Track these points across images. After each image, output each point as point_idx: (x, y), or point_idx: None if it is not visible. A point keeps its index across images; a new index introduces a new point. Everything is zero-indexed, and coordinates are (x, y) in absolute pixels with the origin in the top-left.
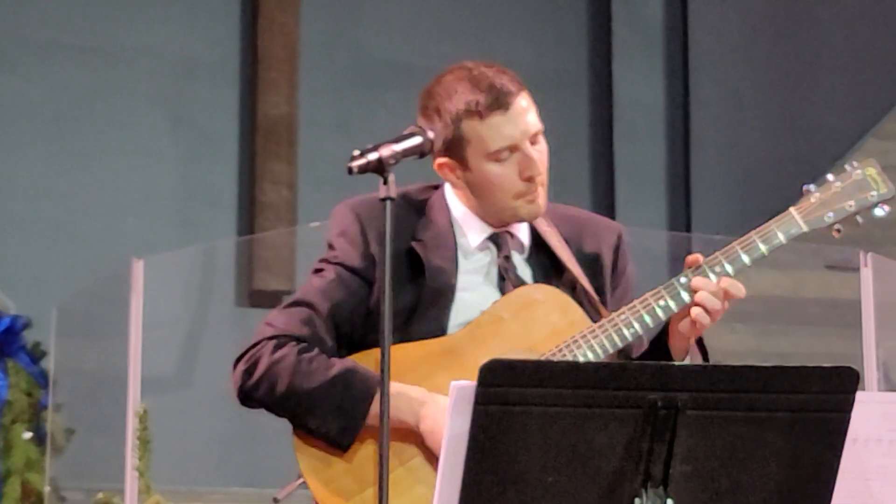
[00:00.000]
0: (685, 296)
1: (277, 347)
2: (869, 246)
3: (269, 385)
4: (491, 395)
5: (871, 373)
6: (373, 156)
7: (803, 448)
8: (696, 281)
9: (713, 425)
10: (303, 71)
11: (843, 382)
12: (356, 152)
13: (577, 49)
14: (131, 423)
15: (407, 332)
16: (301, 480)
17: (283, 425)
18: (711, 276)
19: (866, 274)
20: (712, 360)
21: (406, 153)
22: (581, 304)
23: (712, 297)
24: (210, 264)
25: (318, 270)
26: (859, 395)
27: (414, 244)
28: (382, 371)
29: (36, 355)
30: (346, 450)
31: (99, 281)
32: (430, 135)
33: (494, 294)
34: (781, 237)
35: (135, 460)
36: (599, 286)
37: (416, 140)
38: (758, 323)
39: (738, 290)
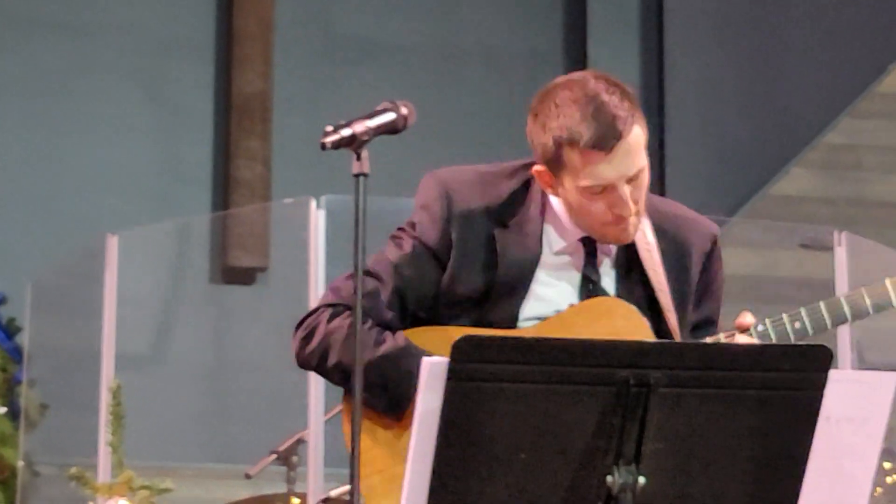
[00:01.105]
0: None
1: (333, 317)
2: (843, 225)
3: (321, 355)
4: (463, 372)
5: (844, 352)
6: (346, 132)
7: (776, 426)
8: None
9: (686, 403)
10: (277, 48)
11: (817, 361)
12: (329, 128)
13: (552, 28)
14: (105, 399)
15: (479, 317)
16: (274, 457)
17: (256, 402)
18: (789, 329)
19: (840, 253)
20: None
21: (379, 129)
22: (658, 321)
23: None
24: (184, 240)
25: (396, 238)
26: (833, 373)
27: (497, 231)
28: (356, 352)
29: (10, 331)
30: (400, 421)
31: (73, 257)
32: (404, 111)
33: (573, 296)
34: (869, 308)
35: (108, 436)
36: (682, 290)
37: (390, 116)
38: (731, 302)
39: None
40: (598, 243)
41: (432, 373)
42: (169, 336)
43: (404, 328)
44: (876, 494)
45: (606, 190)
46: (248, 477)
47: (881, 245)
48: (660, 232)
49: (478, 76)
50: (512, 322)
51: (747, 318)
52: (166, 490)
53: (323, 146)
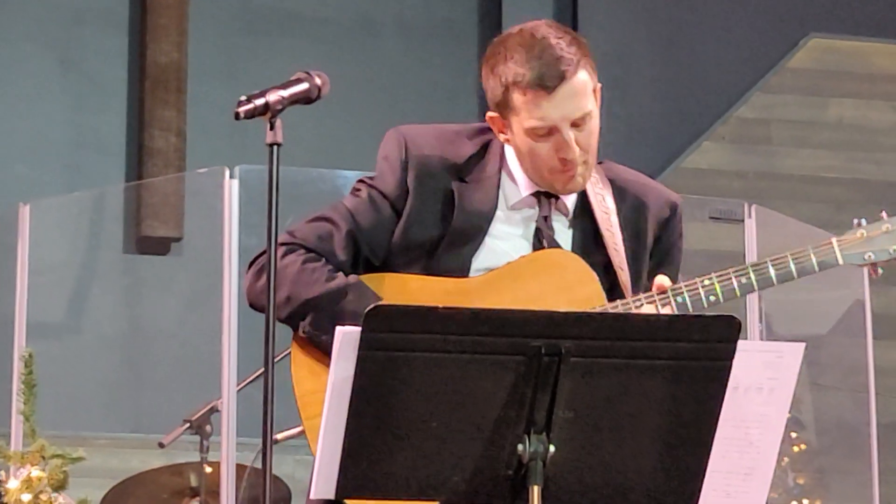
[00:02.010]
0: (703, 296)
1: (286, 254)
2: (753, 198)
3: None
4: (375, 341)
5: (753, 323)
6: (260, 101)
7: (685, 395)
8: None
9: (596, 372)
10: (192, 18)
11: (725, 331)
12: (243, 98)
13: None
14: (17, 368)
15: (430, 265)
16: (187, 426)
17: (169, 371)
18: (736, 286)
19: (750, 225)
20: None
21: (293, 99)
22: (612, 279)
23: None
24: (98, 210)
25: (355, 189)
26: (741, 343)
27: (455, 184)
28: (268, 322)
29: None
30: None
31: None
32: (318, 80)
33: (526, 249)
34: (815, 265)
35: (20, 404)
36: (637, 253)
37: (304, 86)
38: None
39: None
40: (554, 201)
41: (345, 341)
42: (82, 305)
43: (356, 273)
44: (783, 463)
45: (551, 132)
46: (161, 446)
47: (790, 217)
48: (619, 196)
49: (393, 47)
50: (463, 272)
51: (665, 282)
52: (79, 459)
53: (237, 115)
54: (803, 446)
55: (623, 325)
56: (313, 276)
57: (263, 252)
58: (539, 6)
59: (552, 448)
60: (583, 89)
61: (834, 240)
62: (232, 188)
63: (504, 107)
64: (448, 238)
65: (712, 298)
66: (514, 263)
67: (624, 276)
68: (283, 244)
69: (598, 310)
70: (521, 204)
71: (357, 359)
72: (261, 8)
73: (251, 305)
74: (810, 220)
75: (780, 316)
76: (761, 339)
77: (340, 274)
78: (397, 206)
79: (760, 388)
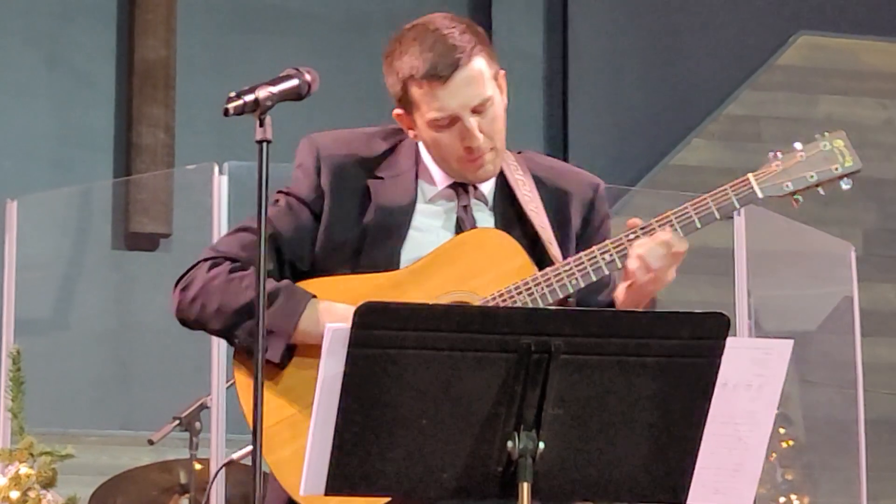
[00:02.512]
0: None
1: (212, 267)
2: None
3: (202, 304)
4: (365, 338)
5: (742, 320)
6: (249, 97)
7: (674, 392)
8: (637, 241)
9: (585, 370)
10: (180, 14)
11: (714, 329)
12: (232, 94)
13: None
14: (4, 365)
15: (356, 264)
16: (176, 423)
17: (158, 368)
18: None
19: (739, 223)
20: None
21: (283, 95)
22: (541, 255)
23: (649, 250)
24: (86, 206)
25: (274, 201)
26: (730, 341)
27: (370, 181)
28: (259, 310)
29: None
30: (283, 368)
31: None
32: (308, 77)
33: (450, 238)
34: (736, 202)
35: (8, 401)
36: (564, 237)
37: (293, 82)
38: None
39: (679, 243)
40: (472, 190)
41: (335, 338)
42: (71, 302)
43: (282, 276)
44: (771, 459)
45: (453, 121)
46: (150, 443)
47: (779, 214)
48: (540, 184)
49: (383, 43)
50: (393, 266)
51: (635, 220)
52: (68, 456)
53: (226, 112)
54: (791, 442)
55: (612, 322)
56: (241, 283)
57: (189, 269)
58: (528, 6)
59: (542, 445)
60: (479, 76)
61: (750, 175)
62: (221, 184)
63: (406, 102)
64: (371, 235)
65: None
66: (441, 248)
67: (554, 249)
68: (206, 259)
69: (527, 280)
70: (438, 197)
71: (347, 356)
72: (249, 4)
73: (182, 322)
74: (799, 216)
75: (768, 313)
76: (750, 336)
77: (270, 279)
78: (315, 210)
79: (749, 385)
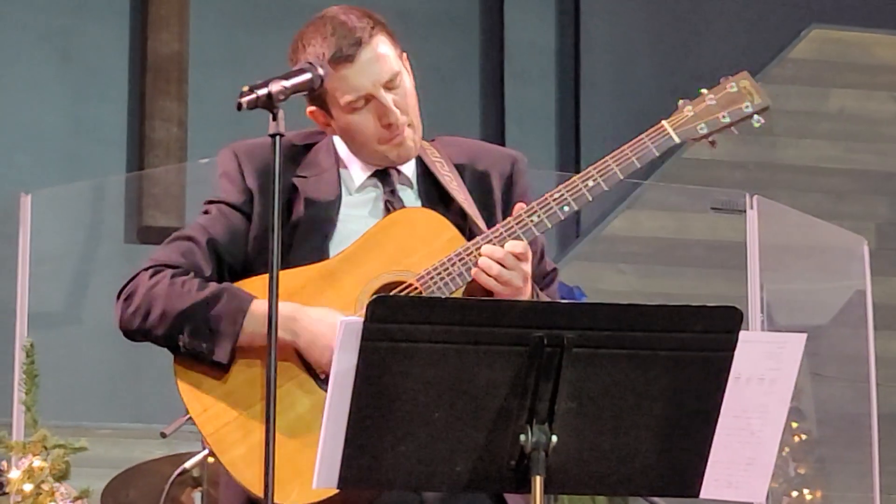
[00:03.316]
0: (547, 222)
1: (153, 275)
2: (754, 188)
3: (145, 311)
4: (378, 332)
5: (755, 314)
6: (262, 91)
7: (686, 386)
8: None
9: (598, 363)
10: (193, 8)
11: (727, 322)
12: (245, 88)
13: None
14: (18, 358)
15: (288, 260)
16: (188, 416)
17: (170, 362)
18: (585, 190)
19: (752, 216)
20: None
21: (296, 89)
22: (469, 231)
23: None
24: (99, 200)
25: (203, 211)
26: (743, 334)
27: (295, 179)
28: (270, 306)
29: None
30: (227, 370)
31: None
32: (320, 71)
33: None
34: (654, 150)
35: (21, 394)
36: (490, 214)
37: (306, 76)
38: (644, 264)
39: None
40: (396, 175)
41: (347, 332)
42: (84, 295)
43: (222, 280)
44: (784, 453)
45: (369, 101)
46: (163, 436)
47: (791, 208)
48: (459, 166)
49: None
50: (323, 259)
51: (522, 206)
52: (81, 449)
53: (239, 106)
54: (804, 436)
55: (625, 316)
56: (184, 288)
57: (129, 280)
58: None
59: (554, 438)
60: (385, 53)
61: (664, 121)
62: None
63: (318, 95)
64: (300, 231)
65: (566, 209)
66: (369, 232)
67: (481, 223)
68: (147, 269)
69: (459, 250)
70: (363, 186)
71: (359, 349)
72: None
73: (125, 333)
74: (811, 210)
75: (781, 307)
76: (763, 330)
77: (212, 283)
78: (246, 211)
79: (762, 379)
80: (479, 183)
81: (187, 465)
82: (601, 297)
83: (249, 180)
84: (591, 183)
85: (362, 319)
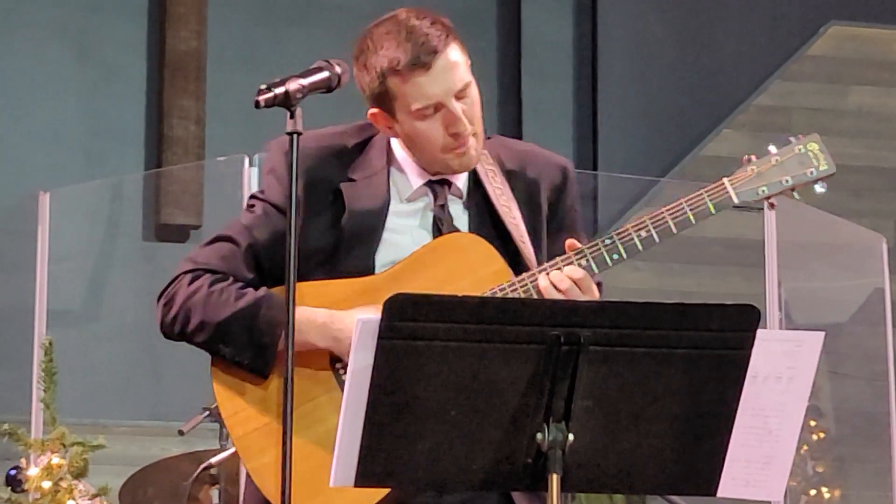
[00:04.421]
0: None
1: (193, 280)
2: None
3: (184, 318)
4: (395, 330)
5: (773, 312)
6: (279, 90)
7: (704, 384)
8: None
9: (615, 361)
10: (211, 6)
11: (745, 321)
12: (263, 86)
13: None
14: (37, 356)
15: (332, 269)
16: (206, 414)
17: (188, 359)
18: (637, 241)
19: (770, 214)
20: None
21: (313, 87)
22: (514, 253)
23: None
24: (117, 198)
25: (249, 206)
26: (760, 332)
27: (342, 185)
28: (289, 312)
29: None
30: (266, 378)
31: (5, 214)
32: (338, 69)
33: (427, 239)
34: (711, 208)
35: (40, 392)
36: (536, 224)
37: (324, 74)
38: (660, 262)
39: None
40: (447, 187)
41: (364, 331)
42: (102, 293)
43: (263, 285)
44: (802, 451)
45: (438, 109)
46: (180, 434)
47: (810, 206)
48: (509, 171)
49: None
50: (368, 271)
51: (575, 243)
52: (99, 446)
53: (256, 104)
54: (822, 434)
55: (642, 314)
56: (222, 297)
57: (170, 283)
58: None
59: (571, 436)
60: (456, 62)
61: (725, 180)
62: (251, 176)
63: (384, 98)
64: (345, 240)
65: (616, 257)
66: (417, 253)
67: (526, 248)
68: (186, 272)
69: (503, 285)
70: (414, 195)
71: (376, 348)
72: None
73: (166, 336)
74: (830, 208)
75: (799, 305)
76: (780, 328)
77: (250, 290)
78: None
79: (779, 377)
80: (528, 192)
81: (213, 460)
82: (618, 294)
83: (299, 182)
84: (643, 234)
85: (378, 317)
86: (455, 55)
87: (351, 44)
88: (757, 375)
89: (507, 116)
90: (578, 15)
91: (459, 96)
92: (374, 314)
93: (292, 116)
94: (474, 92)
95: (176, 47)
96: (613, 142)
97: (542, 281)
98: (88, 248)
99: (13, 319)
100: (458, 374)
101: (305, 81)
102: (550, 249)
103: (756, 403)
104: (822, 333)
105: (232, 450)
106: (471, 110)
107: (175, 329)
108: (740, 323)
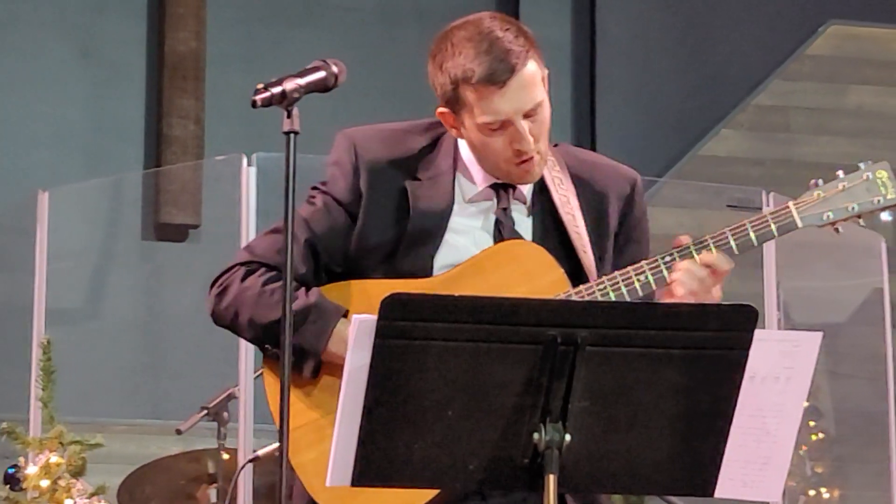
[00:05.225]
0: (666, 274)
1: (247, 275)
2: (771, 186)
3: (234, 312)
4: (392, 329)
5: (771, 312)
6: (277, 89)
7: (701, 384)
8: (680, 263)
9: (612, 361)
10: (210, 6)
11: (742, 321)
12: (260, 86)
13: None
14: (35, 354)
15: (391, 267)
16: (204, 413)
17: (187, 358)
18: (695, 255)
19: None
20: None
21: (310, 87)
22: (575, 262)
23: (690, 274)
24: (117, 197)
25: (309, 197)
26: (758, 333)
27: (408, 183)
28: (284, 312)
29: None
30: (314, 377)
31: (5, 212)
32: (335, 69)
33: (487, 242)
34: (775, 231)
35: (38, 391)
36: (601, 235)
37: (321, 74)
38: None
39: (722, 263)
40: (511, 191)
41: (361, 330)
42: (101, 292)
43: (318, 283)
44: (801, 452)
45: (504, 125)
46: (179, 433)
47: None
48: (577, 179)
49: (412, 36)
50: (426, 272)
51: (682, 239)
52: (97, 445)
53: (254, 104)
54: (821, 435)
55: (639, 314)
56: (272, 298)
57: (225, 272)
58: None
59: (568, 437)
60: (532, 80)
61: (791, 203)
62: (249, 176)
63: (455, 103)
64: (407, 239)
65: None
66: (476, 258)
67: (587, 259)
68: (242, 263)
69: (561, 296)
70: (478, 197)
71: (373, 347)
72: None
73: (215, 324)
74: None
75: (798, 304)
76: (779, 328)
77: (301, 292)
78: (352, 212)
79: (777, 378)
80: (595, 202)
81: (259, 452)
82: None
83: (363, 179)
84: (703, 251)
85: (375, 317)
86: (532, 73)
87: (363, 34)
88: (755, 376)
89: None
90: (577, 15)
91: (529, 115)
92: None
93: (289, 116)
94: (545, 111)
95: (175, 47)
96: (612, 142)
97: (682, 263)
98: (87, 246)
99: (12, 318)
100: (455, 374)
101: (302, 81)
102: (617, 261)
103: (754, 404)
104: (820, 333)
105: (275, 444)
106: (538, 129)
107: (225, 320)
108: (738, 323)
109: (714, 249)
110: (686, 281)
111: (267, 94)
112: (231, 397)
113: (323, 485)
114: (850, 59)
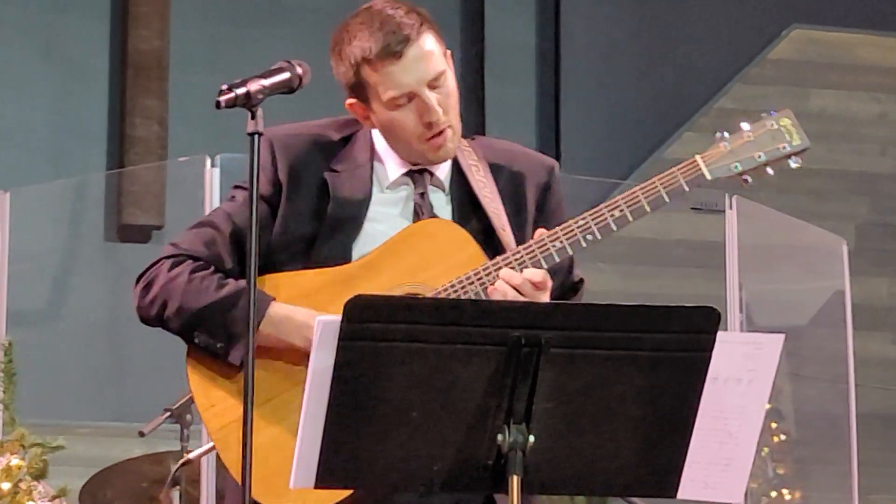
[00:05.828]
0: (583, 242)
1: (174, 266)
2: (734, 189)
3: (162, 303)
4: (356, 331)
5: (734, 314)
6: (241, 90)
7: (664, 386)
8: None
9: (576, 363)
10: (174, 6)
11: (705, 322)
12: (224, 87)
13: None
14: None
15: (310, 258)
16: (168, 415)
17: (151, 360)
18: (610, 221)
19: (731, 216)
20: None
21: (274, 88)
22: (496, 242)
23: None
24: (79, 198)
25: (230, 197)
26: (721, 335)
27: (327, 174)
28: (251, 306)
29: None
30: (240, 369)
31: None
32: (299, 70)
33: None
34: (685, 185)
35: (0, 393)
36: (521, 221)
37: (285, 75)
38: (624, 263)
39: (536, 276)
40: (429, 177)
41: (325, 332)
42: (64, 294)
43: (243, 274)
44: (763, 454)
45: (412, 99)
46: (141, 435)
47: (770, 208)
48: (495, 167)
49: None
50: (346, 260)
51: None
52: (59, 448)
53: (217, 105)
54: (783, 437)
55: (603, 316)
56: (202, 284)
57: (150, 266)
58: None
59: (532, 438)
60: (431, 51)
61: (698, 157)
62: (213, 177)
63: (360, 88)
64: (326, 228)
65: (589, 238)
66: (391, 240)
67: (507, 237)
68: (169, 256)
69: (478, 269)
70: (395, 184)
71: (337, 349)
72: None
73: (142, 320)
74: (791, 210)
75: (760, 307)
76: (741, 330)
77: (231, 280)
78: (272, 204)
79: (739, 380)
80: (513, 188)
81: (191, 455)
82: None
83: (281, 171)
84: (616, 213)
85: (339, 318)
86: (429, 44)
87: (328, 35)
88: (717, 377)
89: (470, 118)
90: (541, 17)
91: (433, 85)
92: (336, 315)
93: (253, 117)
94: (450, 82)
95: (139, 47)
96: (576, 144)
97: (502, 272)
98: (50, 247)
99: None
100: (419, 376)
101: (267, 82)
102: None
103: (716, 405)
104: (783, 336)
105: (211, 444)
106: (446, 100)
107: (152, 312)
108: (700, 325)
109: (626, 211)
110: (506, 291)
111: (231, 95)
112: (193, 399)
113: (256, 478)
114: (813, 63)
